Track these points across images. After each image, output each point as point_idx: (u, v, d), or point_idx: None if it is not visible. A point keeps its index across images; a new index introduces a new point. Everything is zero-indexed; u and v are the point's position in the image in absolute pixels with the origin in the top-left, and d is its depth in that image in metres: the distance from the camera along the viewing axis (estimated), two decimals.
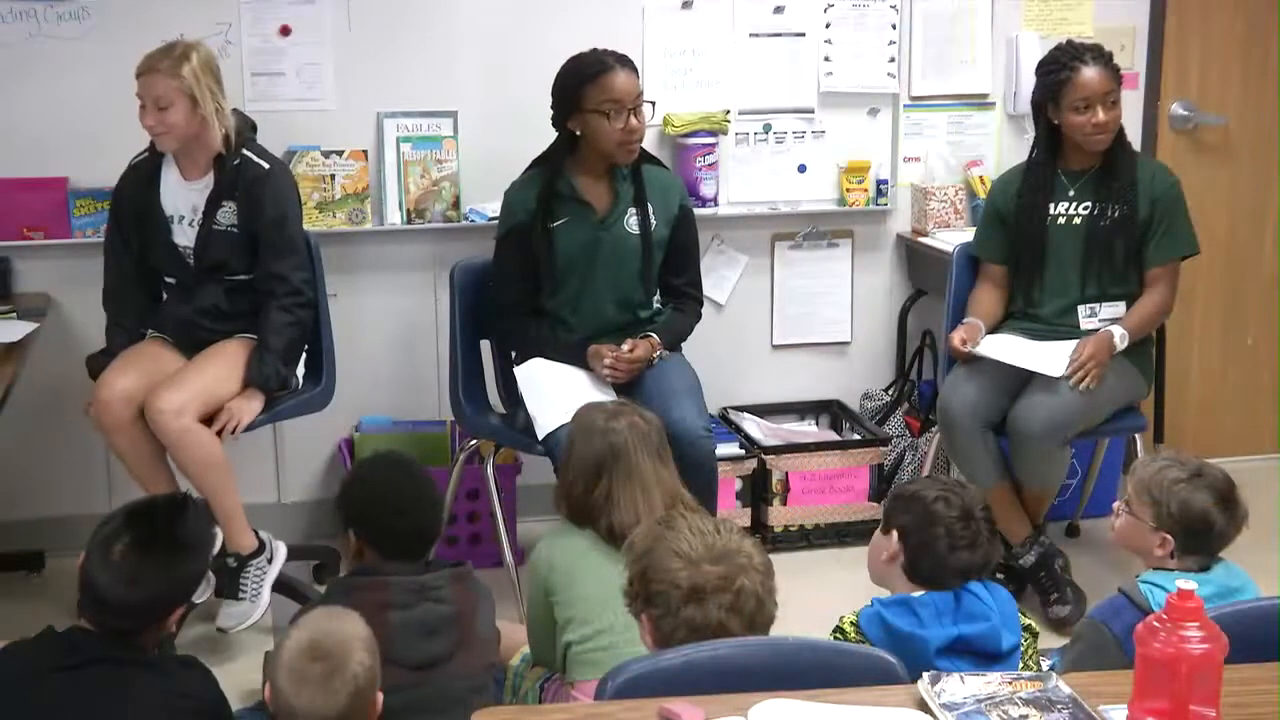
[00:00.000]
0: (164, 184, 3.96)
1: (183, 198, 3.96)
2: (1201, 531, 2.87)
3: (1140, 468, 2.98)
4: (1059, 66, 4.18)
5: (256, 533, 4.00)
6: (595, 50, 4.09)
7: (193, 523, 2.64)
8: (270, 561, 3.99)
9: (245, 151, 3.95)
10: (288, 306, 3.97)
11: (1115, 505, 3.04)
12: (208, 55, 3.91)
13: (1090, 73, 4.14)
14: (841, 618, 2.74)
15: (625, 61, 4.05)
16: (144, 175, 3.97)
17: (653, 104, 4.15)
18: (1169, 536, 2.87)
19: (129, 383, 3.84)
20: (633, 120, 4.02)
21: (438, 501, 3.20)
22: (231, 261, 3.98)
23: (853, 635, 2.69)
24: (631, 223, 4.13)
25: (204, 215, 3.93)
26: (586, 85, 4.00)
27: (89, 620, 2.54)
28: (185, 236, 3.97)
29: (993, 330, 4.30)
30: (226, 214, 3.94)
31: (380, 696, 2.46)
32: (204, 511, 2.63)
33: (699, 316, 4.32)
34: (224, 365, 3.93)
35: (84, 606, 2.55)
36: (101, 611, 2.54)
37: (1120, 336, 4.15)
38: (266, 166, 3.97)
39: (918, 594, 2.73)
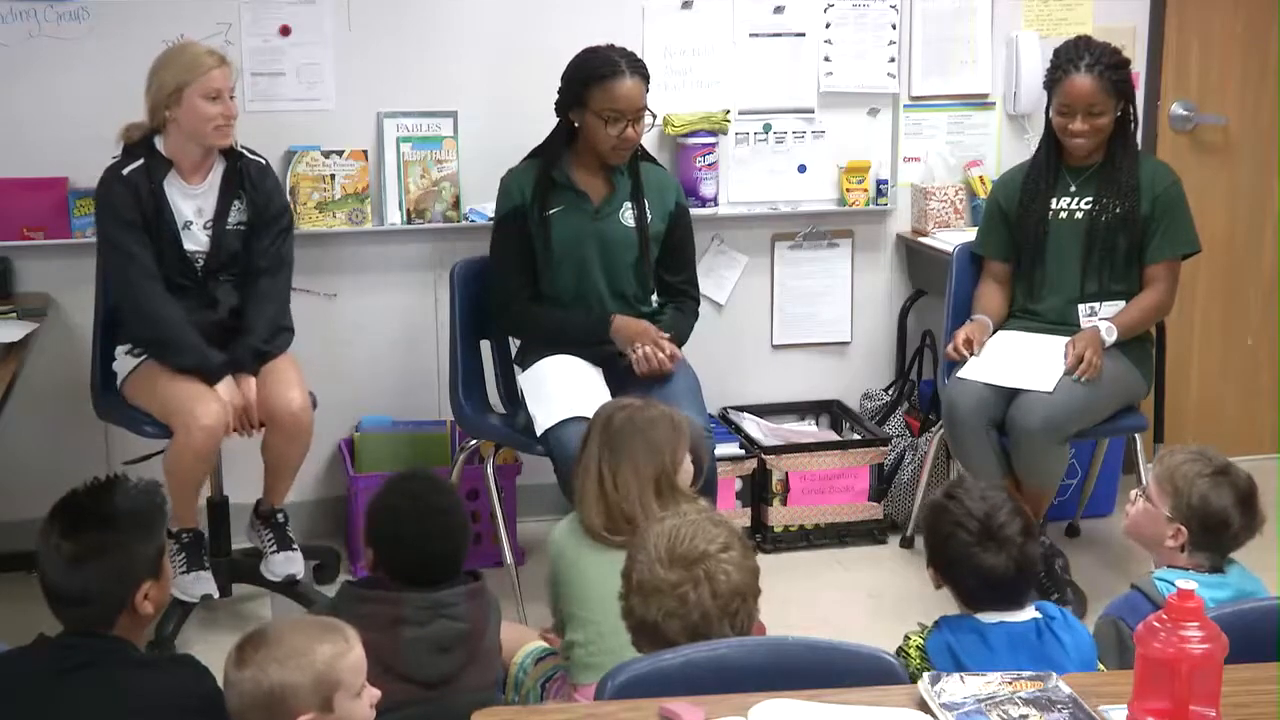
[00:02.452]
0: (170, 192, 3.92)
1: (187, 203, 3.95)
2: (1217, 529, 2.85)
3: (1166, 456, 2.95)
4: (1058, 64, 4.20)
5: None
6: (611, 48, 4.09)
7: (120, 496, 2.59)
8: None
9: (239, 148, 3.99)
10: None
11: (1132, 493, 3.03)
12: None
13: (1080, 80, 4.14)
14: (908, 638, 2.64)
15: (637, 67, 4.05)
16: (145, 187, 3.89)
17: (654, 115, 4.12)
18: (1183, 528, 2.86)
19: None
20: (629, 130, 4.01)
21: (458, 541, 2.98)
22: (238, 257, 4.01)
23: (917, 661, 2.58)
24: (627, 216, 4.14)
25: (216, 216, 3.96)
26: (593, 85, 4.01)
27: (64, 622, 2.54)
28: (195, 241, 3.96)
29: (997, 328, 4.30)
30: (237, 211, 3.98)
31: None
32: (136, 485, 2.60)
33: (697, 315, 4.33)
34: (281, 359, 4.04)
35: (54, 610, 2.55)
36: (65, 605, 2.52)
37: (1107, 330, 4.15)
38: (263, 160, 4.06)
39: (990, 619, 2.61)
